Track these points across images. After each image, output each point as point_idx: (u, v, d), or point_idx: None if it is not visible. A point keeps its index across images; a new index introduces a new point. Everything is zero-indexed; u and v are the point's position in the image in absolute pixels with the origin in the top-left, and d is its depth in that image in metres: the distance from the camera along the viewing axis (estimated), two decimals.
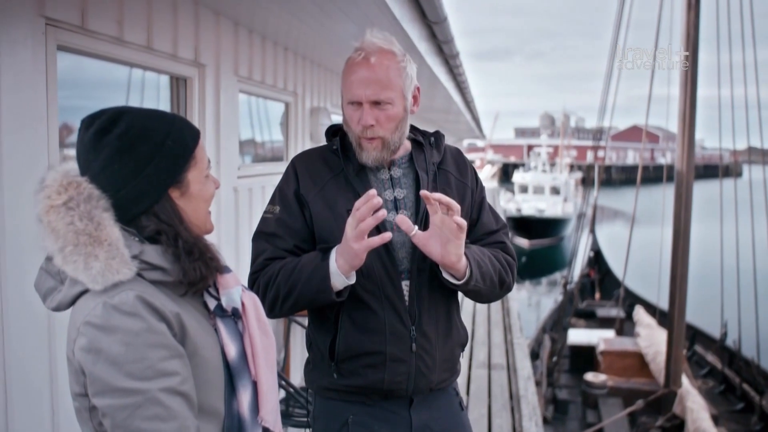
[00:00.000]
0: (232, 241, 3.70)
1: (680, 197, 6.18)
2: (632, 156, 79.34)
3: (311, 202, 1.61)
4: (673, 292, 6.31)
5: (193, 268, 1.11)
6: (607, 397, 7.25)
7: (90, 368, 1.01)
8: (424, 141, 1.69)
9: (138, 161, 1.09)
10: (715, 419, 6.42)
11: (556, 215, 25.38)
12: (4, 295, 1.92)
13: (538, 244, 24.12)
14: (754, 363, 8.00)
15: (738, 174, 10.54)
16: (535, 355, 9.34)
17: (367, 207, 1.38)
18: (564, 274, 11.21)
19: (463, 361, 5.49)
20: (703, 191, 11.25)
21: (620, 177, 66.65)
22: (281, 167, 4.72)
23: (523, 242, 24.04)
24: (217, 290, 1.20)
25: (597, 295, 12.60)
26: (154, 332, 1.02)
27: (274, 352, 1.26)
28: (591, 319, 10.95)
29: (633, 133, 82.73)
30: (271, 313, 1.57)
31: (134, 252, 1.07)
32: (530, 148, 61.15)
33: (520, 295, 15.18)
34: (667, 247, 6.37)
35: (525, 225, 24.43)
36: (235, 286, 1.21)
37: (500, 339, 6.33)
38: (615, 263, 13.02)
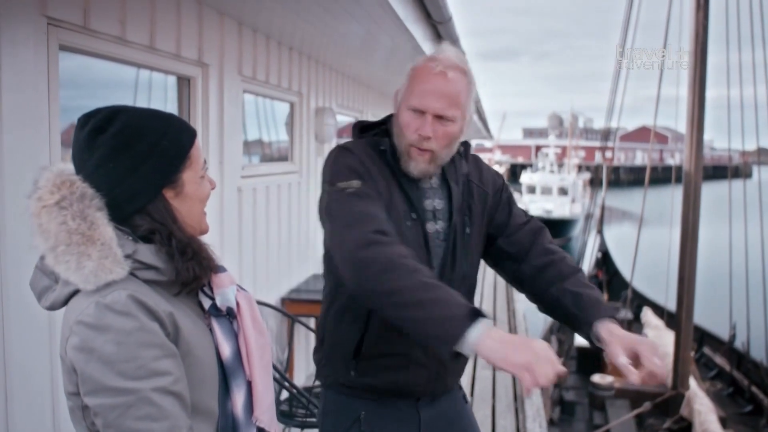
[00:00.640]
0: (235, 241, 3.70)
1: (688, 198, 6.13)
2: (641, 157, 78.99)
3: (381, 192, 1.51)
4: (681, 293, 6.27)
5: (186, 268, 1.10)
6: (614, 399, 7.20)
7: (82, 367, 1.00)
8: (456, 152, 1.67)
9: (133, 160, 1.09)
10: (723, 422, 6.35)
11: (564, 216, 25.30)
12: (5, 295, 1.93)
13: None
14: (763, 365, 7.93)
15: (747, 175, 10.45)
16: None
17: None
18: None
19: (468, 362, 5.48)
20: (712, 192, 11.17)
21: (628, 178, 66.36)
22: (286, 167, 4.75)
23: None
24: (212, 290, 1.19)
25: (605, 296, 12.55)
26: (146, 331, 1.02)
27: (270, 351, 1.25)
28: None
29: (642, 134, 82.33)
30: (359, 287, 1.35)
31: (127, 251, 1.07)
32: (538, 148, 61.04)
33: None
34: (676, 248, 6.33)
35: None
36: (230, 286, 1.20)
37: None
38: (623, 264, 12.94)
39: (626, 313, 9.91)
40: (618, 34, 8.70)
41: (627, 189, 53.73)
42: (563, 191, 27.71)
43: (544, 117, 47.09)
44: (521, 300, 8.13)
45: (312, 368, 4.54)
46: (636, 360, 1.33)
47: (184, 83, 3.20)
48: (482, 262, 1.78)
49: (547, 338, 9.98)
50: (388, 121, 1.66)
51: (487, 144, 54.03)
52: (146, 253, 1.09)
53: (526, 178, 29.84)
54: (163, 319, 1.05)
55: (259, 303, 2.84)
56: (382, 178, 1.54)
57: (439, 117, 1.51)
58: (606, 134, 10.65)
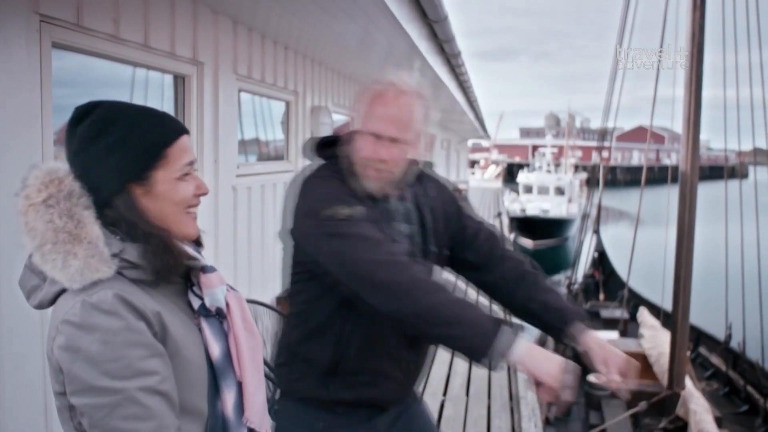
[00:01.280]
0: (230, 240, 3.69)
1: (685, 198, 6.13)
2: (637, 157, 79.10)
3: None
4: (677, 293, 6.27)
5: (156, 258, 1.08)
6: (609, 399, 7.20)
7: (68, 367, 1.00)
8: (420, 172, 1.73)
9: (98, 152, 1.08)
10: (719, 421, 6.36)
11: (561, 216, 25.29)
12: None
13: (542, 245, 24.04)
14: (759, 365, 7.95)
15: (743, 175, 10.46)
16: None
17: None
18: (568, 274, 11.18)
19: (463, 361, 5.48)
20: (708, 192, 11.17)
21: (625, 178, 66.43)
22: (282, 166, 4.74)
23: (527, 242, 23.96)
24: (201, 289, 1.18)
25: (601, 296, 12.54)
26: (133, 331, 1.01)
27: (261, 352, 1.24)
28: (595, 320, 10.90)
29: (638, 134, 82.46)
30: (391, 308, 1.39)
31: (114, 250, 1.06)
32: (535, 148, 61.01)
33: None
34: (672, 248, 6.33)
35: (529, 225, 24.34)
36: (219, 286, 1.19)
37: None
38: (619, 264, 12.95)
39: (623, 313, 9.93)
40: (616, 34, 8.71)
41: (624, 189, 53.79)
42: (560, 191, 27.69)
43: (542, 117, 47.13)
44: None
45: None
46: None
47: (179, 82, 3.19)
48: None
49: (543, 338, 9.99)
50: (339, 139, 1.69)
51: (484, 143, 54.07)
52: (133, 252, 1.07)
53: (522, 177, 29.82)
54: (150, 318, 1.04)
55: (254, 302, 2.83)
56: (358, 200, 1.57)
57: (394, 140, 1.56)
58: (603, 134, 10.65)
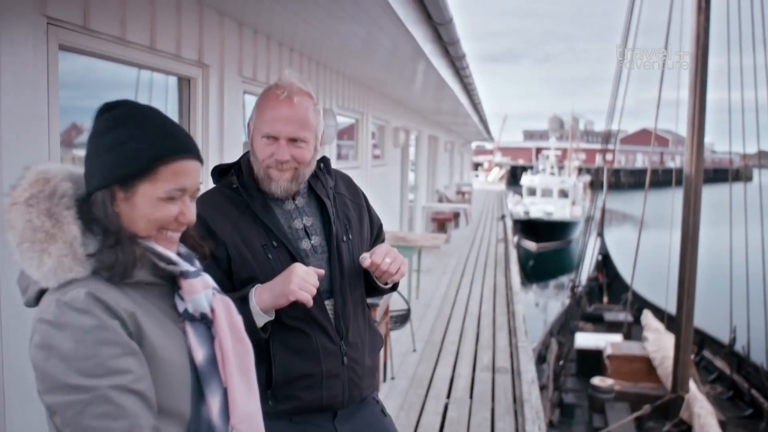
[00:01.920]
0: None
1: (689, 201, 6.13)
2: (641, 159, 78.96)
3: (228, 242, 1.60)
4: (681, 296, 6.26)
5: (108, 252, 1.07)
6: (613, 402, 7.18)
7: (42, 365, 0.99)
8: (317, 168, 1.76)
9: (101, 146, 1.11)
10: (723, 425, 6.35)
11: (564, 218, 25.24)
12: (3, 293, 1.92)
13: (546, 247, 24.01)
14: (763, 369, 7.92)
15: (748, 178, 10.44)
16: (542, 359, 9.28)
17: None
18: (572, 277, 11.15)
19: (467, 364, 5.47)
20: (712, 195, 11.16)
21: (629, 180, 66.34)
22: None
23: (530, 245, 23.93)
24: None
25: (605, 299, 12.53)
26: (105, 329, 1.01)
27: (251, 359, 1.22)
28: (599, 323, 10.88)
29: (642, 137, 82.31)
30: None
31: (90, 250, 1.06)
32: (539, 150, 60.96)
33: (526, 298, 15.12)
34: (676, 251, 6.32)
35: (533, 228, 24.31)
36: (203, 291, 1.17)
37: (505, 342, 6.29)
38: (623, 267, 12.93)
39: (626, 316, 9.91)
40: (620, 37, 8.70)
41: (627, 192, 53.73)
42: (564, 193, 27.64)
43: (545, 119, 47.05)
44: (521, 302, 8.11)
45: None
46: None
47: (184, 84, 3.19)
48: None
49: (547, 341, 9.96)
50: (241, 158, 1.73)
51: (488, 146, 54.01)
52: (110, 253, 1.07)
53: (526, 180, 29.77)
54: (124, 317, 1.04)
55: None
56: (229, 221, 1.61)
57: (292, 140, 1.60)
58: (607, 137, 10.63)
